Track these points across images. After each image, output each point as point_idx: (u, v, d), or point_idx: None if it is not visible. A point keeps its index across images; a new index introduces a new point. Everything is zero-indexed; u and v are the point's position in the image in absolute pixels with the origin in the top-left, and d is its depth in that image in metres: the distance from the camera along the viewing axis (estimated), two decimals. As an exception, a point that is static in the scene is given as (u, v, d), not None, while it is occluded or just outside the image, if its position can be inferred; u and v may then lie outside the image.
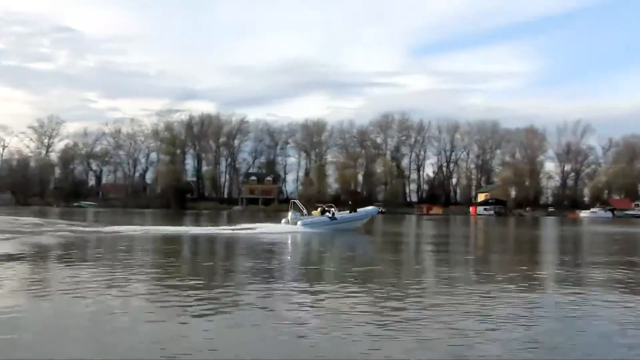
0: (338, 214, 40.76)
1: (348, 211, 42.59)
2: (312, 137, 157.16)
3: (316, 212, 41.45)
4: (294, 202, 44.29)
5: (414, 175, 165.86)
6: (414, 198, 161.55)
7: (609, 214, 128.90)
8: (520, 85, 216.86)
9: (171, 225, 44.54)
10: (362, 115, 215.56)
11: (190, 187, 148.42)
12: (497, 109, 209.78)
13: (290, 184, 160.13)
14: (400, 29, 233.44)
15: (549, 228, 64.92)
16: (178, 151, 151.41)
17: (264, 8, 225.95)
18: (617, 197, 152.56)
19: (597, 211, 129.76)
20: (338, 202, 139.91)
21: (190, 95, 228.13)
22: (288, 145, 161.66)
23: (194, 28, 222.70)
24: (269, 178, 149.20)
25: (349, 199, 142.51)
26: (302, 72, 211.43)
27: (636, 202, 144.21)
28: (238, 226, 41.62)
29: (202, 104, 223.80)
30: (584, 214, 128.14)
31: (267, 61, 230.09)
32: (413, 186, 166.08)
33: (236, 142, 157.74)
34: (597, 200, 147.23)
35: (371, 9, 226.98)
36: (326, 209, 41.41)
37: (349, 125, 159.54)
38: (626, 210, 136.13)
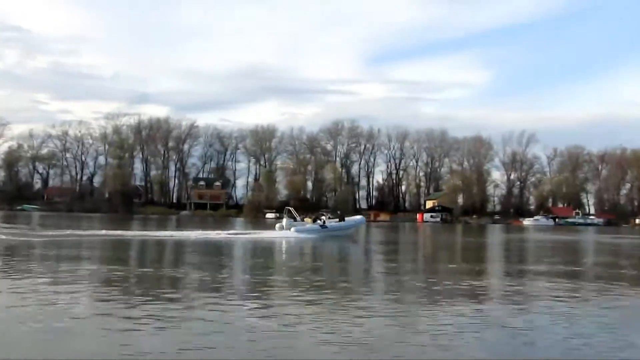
0: (328, 223, 43.80)
1: (337, 220, 45.38)
2: (261, 142, 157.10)
3: (309, 220, 45.04)
4: (289, 209, 48.78)
5: (363, 182, 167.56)
6: (364, 205, 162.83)
7: (551, 222, 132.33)
8: (471, 95, 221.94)
9: (117, 229, 44.85)
10: (315, 123, 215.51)
11: (138, 192, 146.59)
12: (448, 118, 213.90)
13: (241, 190, 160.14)
14: (356, 37, 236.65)
15: (487, 235, 66.53)
16: (126, 155, 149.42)
17: (221, 12, 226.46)
18: (561, 206, 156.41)
19: (540, 219, 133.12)
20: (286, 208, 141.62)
21: (144, 99, 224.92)
22: (238, 150, 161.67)
23: (150, 30, 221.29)
24: (217, 183, 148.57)
25: (298, 205, 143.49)
26: (257, 77, 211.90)
27: (577, 211, 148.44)
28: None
29: (155, 108, 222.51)
30: (527, 221, 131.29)
31: (223, 66, 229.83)
32: (363, 193, 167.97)
33: (186, 146, 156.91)
34: (541, 208, 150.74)
35: (328, 16, 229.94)
36: (317, 217, 45.30)
37: (299, 132, 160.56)
38: (567, 218, 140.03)
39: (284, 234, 41.67)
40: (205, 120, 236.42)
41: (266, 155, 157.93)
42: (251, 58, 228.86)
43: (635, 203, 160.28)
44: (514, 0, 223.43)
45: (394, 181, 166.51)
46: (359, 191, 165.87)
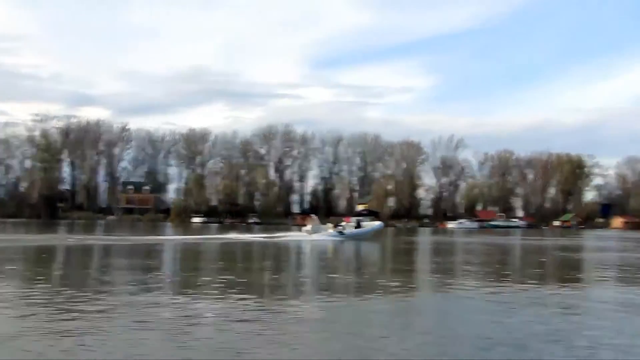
0: (346, 230, 50.55)
1: (355, 227, 51.32)
2: (193, 147, 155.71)
3: (330, 226, 52.07)
4: (313, 217, 58.17)
5: (297, 187, 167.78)
6: (297, 209, 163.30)
7: (475, 225, 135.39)
8: (416, 100, 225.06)
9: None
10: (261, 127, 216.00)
11: (64, 196, 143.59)
12: (393, 123, 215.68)
13: (173, 194, 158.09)
14: (303, 41, 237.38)
15: (401, 238, 67.59)
16: (53, 158, 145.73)
17: (167, 14, 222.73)
18: (493, 209, 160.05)
19: (464, 222, 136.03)
20: (215, 212, 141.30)
21: (86, 101, 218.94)
22: (170, 154, 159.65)
23: (94, 30, 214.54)
24: (146, 187, 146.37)
25: (228, 209, 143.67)
26: (203, 80, 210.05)
27: (500, 214, 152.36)
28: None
29: (98, 110, 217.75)
30: (451, 224, 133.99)
31: (168, 68, 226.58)
32: (297, 197, 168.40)
33: (117, 150, 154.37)
34: (468, 211, 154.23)
35: (274, 20, 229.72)
36: (337, 224, 52.14)
37: (232, 136, 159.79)
38: (490, 221, 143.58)
39: (310, 237, 48.03)
40: (150, 123, 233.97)
41: (197, 160, 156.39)
42: (197, 61, 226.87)
43: (559, 207, 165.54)
44: (457, 9, 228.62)
45: (327, 186, 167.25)
46: (292, 196, 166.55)
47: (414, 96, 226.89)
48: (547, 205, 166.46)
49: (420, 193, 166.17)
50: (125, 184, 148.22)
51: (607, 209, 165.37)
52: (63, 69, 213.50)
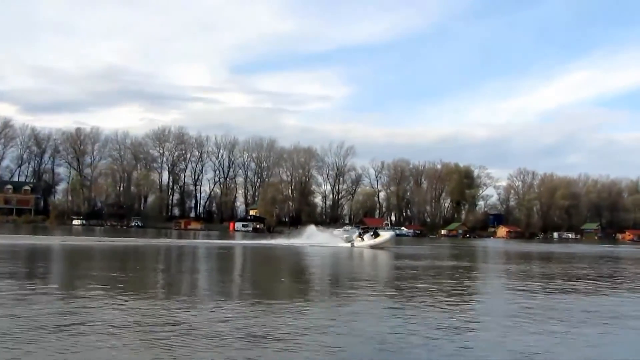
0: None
1: (373, 235, 54.53)
2: (79, 147, 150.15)
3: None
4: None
5: (192, 190, 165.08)
6: (193, 213, 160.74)
7: (360, 231, 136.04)
8: (332, 108, 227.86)
9: None
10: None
11: None
12: (309, 130, 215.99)
13: (60, 195, 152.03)
14: (223, 45, 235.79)
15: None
16: None
17: (81, 10, 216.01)
18: (379, 218, 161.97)
19: (350, 229, 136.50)
20: (99, 215, 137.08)
21: None
22: (58, 154, 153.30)
23: (4, 22, 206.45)
24: (26, 187, 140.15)
25: (112, 212, 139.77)
26: (117, 80, 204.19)
27: (386, 222, 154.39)
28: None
29: (3, 106, 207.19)
30: (337, 232, 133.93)
31: (81, 66, 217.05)
32: (191, 201, 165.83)
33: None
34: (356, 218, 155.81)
35: (194, 22, 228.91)
36: (360, 235, 56.07)
37: (123, 137, 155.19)
38: (376, 228, 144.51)
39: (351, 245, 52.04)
40: (62, 122, 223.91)
41: (86, 160, 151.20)
42: (112, 60, 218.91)
43: (450, 216, 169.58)
44: (376, 21, 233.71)
45: (222, 190, 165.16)
46: (187, 199, 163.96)
47: (332, 105, 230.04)
48: (437, 214, 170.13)
49: (315, 199, 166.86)
50: (3, 183, 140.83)
51: (495, 219, 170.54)
52: None
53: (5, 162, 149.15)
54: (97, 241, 52.99)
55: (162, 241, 58.08)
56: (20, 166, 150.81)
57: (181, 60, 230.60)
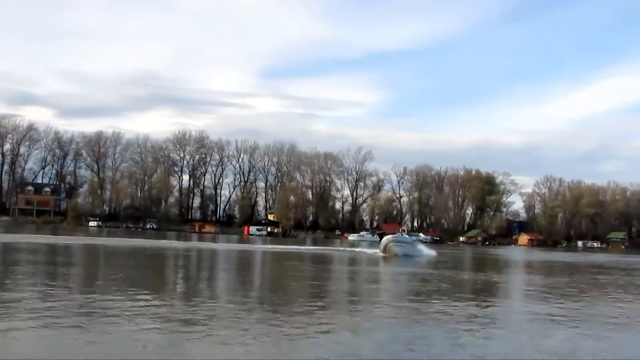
0: None
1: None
2: (98, 150, 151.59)
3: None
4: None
5: (212, 194, 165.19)
6: (213, 217, 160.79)
7: (377, 238, 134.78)
8: (363, 114, 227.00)
9: None
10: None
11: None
12: (339, 136, 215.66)
13: (82, 197, 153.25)
14: (254, 51, 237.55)
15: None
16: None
17: (115, 16, 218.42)
18: (396, 223, 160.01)
19: (365, 234, 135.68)
20: (116, 216, 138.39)
21: (28, 100, 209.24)
22: (80, 157, 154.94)
23: (39, 29, 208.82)
24: (47, 189, 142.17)
25: (130, 214, 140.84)
26: (150, 85, 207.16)
27: (403, 228, 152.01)
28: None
29: (40, 110, 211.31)
30: (352, 237, 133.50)
31: (115, 71, 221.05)
32: (212, 205, 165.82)
33: (22, 149, 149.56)
34: (371, 224, 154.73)
35: (226, 28, 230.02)
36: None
37: (144, 140, 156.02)
38: (393, 234, 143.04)
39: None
40: (96, 126, 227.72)
41: (101, 162, 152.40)
42: (145, 65, 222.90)
43: (470, 222, 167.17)
44: (409, 26, 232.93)
45: (242, 193, 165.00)
46: (208, 202, 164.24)
47: (363, 110, 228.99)
48: (458, 221, 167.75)
49: (334, 204, 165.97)
50: (25, 184, 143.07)
51: (519, 226, 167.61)
52: (4, 67, 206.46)
53: (29, 165, 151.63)
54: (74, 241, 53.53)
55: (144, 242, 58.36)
56: (43, 168, 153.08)
57: (213, 65, 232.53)
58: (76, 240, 55.20)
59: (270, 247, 62.24)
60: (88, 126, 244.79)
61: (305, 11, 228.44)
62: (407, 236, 56.73)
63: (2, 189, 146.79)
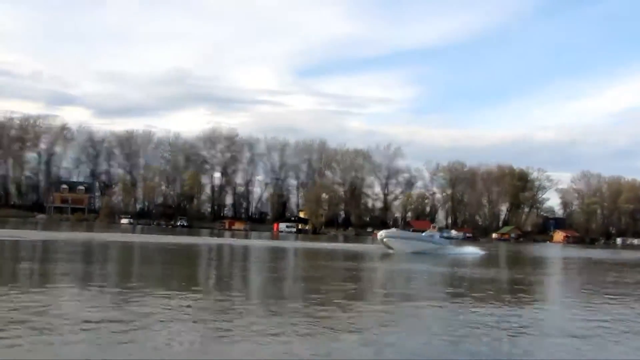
0: None
1: None
2: (130, 148, 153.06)
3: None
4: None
5: (243, 191, 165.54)
6: (244, 214, 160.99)
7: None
8: (396, 111, 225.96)
9: None
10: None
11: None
12: (373, 133, 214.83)
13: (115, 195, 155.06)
14: (288, 48, 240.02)
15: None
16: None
17: (151, 16, 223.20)
18: (427, 220, 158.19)
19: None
20: (148, 214, 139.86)
21: (66, 101, 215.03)
22: (113, 155, 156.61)
23: (76, 30, 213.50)
24: (80, 187, 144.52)
25: (161, 212, 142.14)
26: (185, 84, 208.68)
27: (433, 225, 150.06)
28: None
29: (78, 110, 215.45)
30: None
31: (150, 71, 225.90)
32: (243, 202, 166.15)
33: (57, 148, 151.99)
34: (402, 221, 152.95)
35: (258, 27, 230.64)
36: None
37: (175, 139, 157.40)
38: (423, 231, 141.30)
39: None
40: (132, 125, 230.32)
41: (132, 161, 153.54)
42: (180, 64, 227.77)
43: (504, 219, 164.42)
44: (440, 22, 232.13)
45: (274, 191, 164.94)
46: (244, 200, 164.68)
47: (396, 107, 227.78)
48: (491, 217, 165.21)
49: (365, 201, 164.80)
50: (60, 183, 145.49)
51: (556, 223, 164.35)
52: (43, 68, 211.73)
53: (64, 164, 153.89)
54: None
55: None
56: (78, 167, 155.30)
57: (247, 63, 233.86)
58: (117, 238, 55.58)
59: (300, 244, 61.76)
60: (125, 125, 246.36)
61: (337, 8, 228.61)
62: (411, 232, 56.56)
63: (39, 188, 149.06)
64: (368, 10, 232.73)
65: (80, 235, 55.20)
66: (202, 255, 39.46)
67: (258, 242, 63.78)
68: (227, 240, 67.63)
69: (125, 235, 66.10)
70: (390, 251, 49.57)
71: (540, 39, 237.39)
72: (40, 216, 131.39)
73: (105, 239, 53.38)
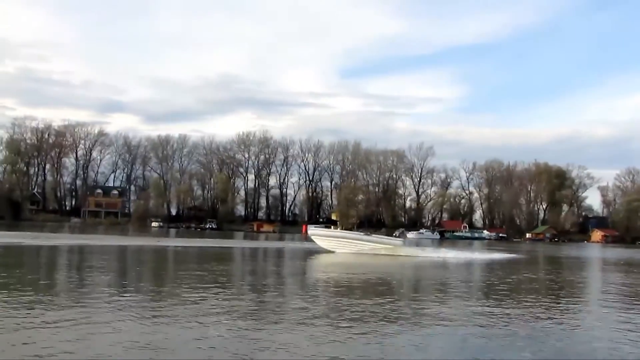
0: None
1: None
2: (163, 152, 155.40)
3: None
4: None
5: (277, 193, 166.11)
6: (279, 217, 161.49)
7: (437, 235, 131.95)
8: (443, 110, 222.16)
9: None
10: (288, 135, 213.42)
11: (36, 199, 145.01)
12: (420, 133, 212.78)
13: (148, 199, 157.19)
14: (332, 50, 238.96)
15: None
16: (23, 161, 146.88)
17: (195, 22, 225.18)
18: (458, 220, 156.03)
19: (424, 232, 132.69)
20: (179, 217, 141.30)
21: (116, 107, 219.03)
22: (148, 160, 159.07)
23: (123, 38, 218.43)
24: (114, 192, 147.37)
25: (192, 215, 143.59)
26: (231, 88, 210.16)
27: (464, 225, 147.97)
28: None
29: (127, 117, 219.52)
30: (411, 235, 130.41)
31: (196, 76, 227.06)
32: (277, 204, 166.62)
33: (94, 154, 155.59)
34: (433, 221, 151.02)
35: (303, 29, 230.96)
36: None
37: (209, 142, 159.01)
38: (454, 231, 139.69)
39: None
40: (180, 130, 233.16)
41: (166, 165, 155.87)
42: (225, 69, 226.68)
43: (540, 218, 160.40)
44: (486, 19, 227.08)
45: (308, 193, 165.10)
46: (276, 202, 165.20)
47: (442, 107, 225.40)
48: (527, 216, 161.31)
49: (399, 201, 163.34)
50: (95, 187, 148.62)
51: (597, 222, 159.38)
52: (93, 76, 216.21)
53: (101, 169, 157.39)
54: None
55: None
56: (114, 172, 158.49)
57: (291, 66, 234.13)
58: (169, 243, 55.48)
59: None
60: (173, 131, 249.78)
61: (380, 8, 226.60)
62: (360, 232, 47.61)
63: (77, 193, 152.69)
64: (413, 9, 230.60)
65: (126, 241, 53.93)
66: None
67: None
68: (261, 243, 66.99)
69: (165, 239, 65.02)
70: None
71: (592, 32, 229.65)
72: (75, 220, 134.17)
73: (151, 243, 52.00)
